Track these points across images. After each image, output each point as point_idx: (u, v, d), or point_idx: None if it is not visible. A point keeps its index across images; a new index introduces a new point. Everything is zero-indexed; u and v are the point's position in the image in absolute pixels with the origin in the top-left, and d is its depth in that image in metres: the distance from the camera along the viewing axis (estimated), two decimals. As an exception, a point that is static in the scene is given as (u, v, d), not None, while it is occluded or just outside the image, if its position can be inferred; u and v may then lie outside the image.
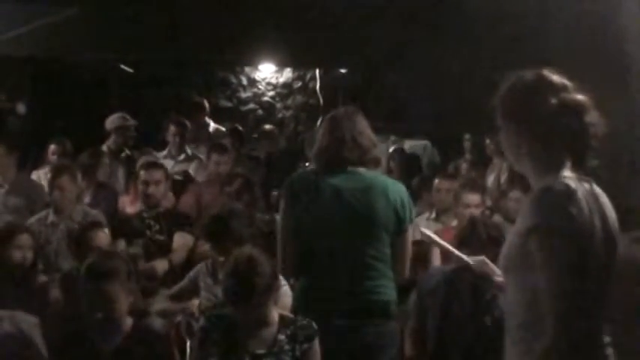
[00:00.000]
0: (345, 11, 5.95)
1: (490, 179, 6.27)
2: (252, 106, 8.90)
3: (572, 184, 1.86)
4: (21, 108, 7.71)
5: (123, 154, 6.20)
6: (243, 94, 8.89)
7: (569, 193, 1.84)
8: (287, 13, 6.13)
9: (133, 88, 7.97)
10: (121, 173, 6.02)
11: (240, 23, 6.38)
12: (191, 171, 6.18)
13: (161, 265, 4.22)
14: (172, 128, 6.27)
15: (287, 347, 2.73)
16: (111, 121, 6.20)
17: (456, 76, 6.02)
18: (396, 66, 7.10)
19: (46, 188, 5.86)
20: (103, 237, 3.92)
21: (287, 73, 8.83)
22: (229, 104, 8.80)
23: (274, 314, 2.77)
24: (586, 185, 1.91)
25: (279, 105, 8.90)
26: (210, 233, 3.65)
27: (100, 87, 7.80)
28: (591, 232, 1.85)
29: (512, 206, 4.48)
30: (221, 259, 3.53)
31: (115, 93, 7.88)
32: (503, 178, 6.34)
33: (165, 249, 4.35)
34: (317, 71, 8.53)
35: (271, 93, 8.90)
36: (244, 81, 8.88)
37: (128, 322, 2.88)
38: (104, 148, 6.05)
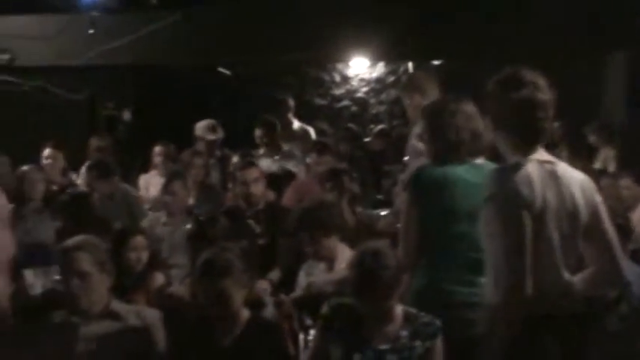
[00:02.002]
0: (436, 2, 5.90)
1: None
2: (345, 102, 8.94)
3: (528, 164, 2.29)
4: (126, 115, 8.06)
5: (219, 153, 6.32)
6: (337, 91, 8.94)
7: (516, 170, 2.27)
8: (377, 7, 6.13)
9: (231, 90, 8.16)
10: (215, 173, 6.17)
11: (331, 20, 6.42)
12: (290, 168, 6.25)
13: None
14: (258, 131, 6.30)
15: (409, 344, 2.69)
16: (198, 128, 6.30)
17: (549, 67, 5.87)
18: (487, 57, 6.97)
19: (154, 190, 6.14)
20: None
21: (380, 68, 8.81)
22: (323, 102, 8.87)
23: (398, 309, 2.74)
24: (547, 166, 2.32)
25: (372, 100, 8.89)
26: (301, 225, 3.71)
27: (200, 90, 8.04)
28: (542, 203, 2.25)
29: (625, 193, 4.57)
30: (310, 249, 3.62)
31: (214, 96, 8.10)
32: (611, 166, 6.16)
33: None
34: (409, 64, 8.46)
35: (365, 89, 8.91)
36: (337, 78, 8.93)
37: (245, 314, 2.95)
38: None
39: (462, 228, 2.86)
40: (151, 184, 6.37)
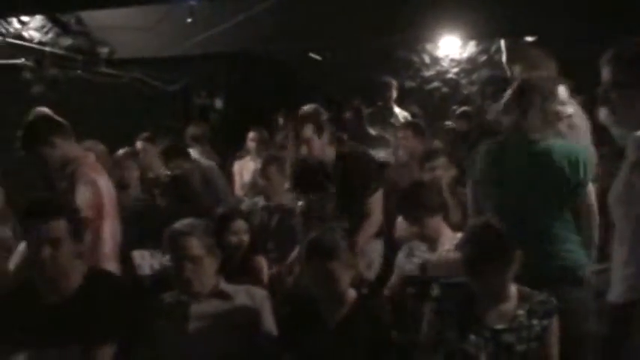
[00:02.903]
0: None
1: None
2: (436, 84, 8.80)
3: None
4: (218, 103, 8.21)
5: None
6: (427, 73, 8.81)
7: None
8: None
9: (321, 75, 8.18)
10: None
11: (420, 0, 6.32)
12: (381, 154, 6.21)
13: None
14: (348, 114, 6.26)
15: (526, 323, 2.62)
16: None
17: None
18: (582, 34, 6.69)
19: (247, 175, 6.25)
20: None
21: (470, 47, 8.61)
22: (413, 84, 8.77)
23: (512, 288, 2.67)
24: None
25: (464, 81, 8.71)
26: (401, 205, 3.71)
27: (290, 76, 8.09)
28: None
29: None
30: (413, 229, 3.61)
31: (304, 81, 8.13)
32: None
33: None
34: (502, 42, 8.22)
35: (455, 69, 8.74)
36: (427, 59, 8.80)
37: (352, 294, 2.95)
38: None
39: (521, 202, 3.06)
40: (245, 169, 6.49)
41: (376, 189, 4.03)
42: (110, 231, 3.70)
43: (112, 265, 3.61)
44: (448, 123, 7.07)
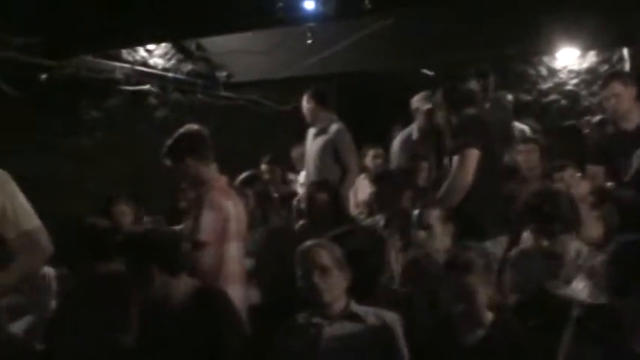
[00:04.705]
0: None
1: None
2: (553, 97, 8.50)
3: None
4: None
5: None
6: (544, 86, 8.53)
7: None
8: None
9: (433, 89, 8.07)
10: None
11: (536, 12, 6.14)
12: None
13: None
14: None
15: None
16: (415, 101, 6.06)
17: None
18: None
19: (362, 194, 6.23)
20: None
21: (590, 57, 8.27)
22: (529, 97, 8.51)
23: None
24: None
25: (583, 92, 8.37)
26: (528, 216, 3.55)
27: (403, 92, 8.03)
28: None
29: None
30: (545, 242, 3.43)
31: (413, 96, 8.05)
32: None
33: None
34: (625, 50, 7.86)
35: (574, 81, 8.41)
36: (543, 72, 8.53)
37: (488, 316, 2.88)
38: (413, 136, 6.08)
39: None
40: (360, 187, 6.48)
41: None
42: (235, 254, 3.76)
43: (235, 288, 3.64)
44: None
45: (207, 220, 3.63)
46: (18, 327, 3.97)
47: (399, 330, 3.05)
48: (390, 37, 5.81)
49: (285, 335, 3.11)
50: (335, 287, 3.04)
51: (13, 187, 2.62)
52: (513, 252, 3.74)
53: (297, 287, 3.09)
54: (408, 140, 5.96)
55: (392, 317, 3.07)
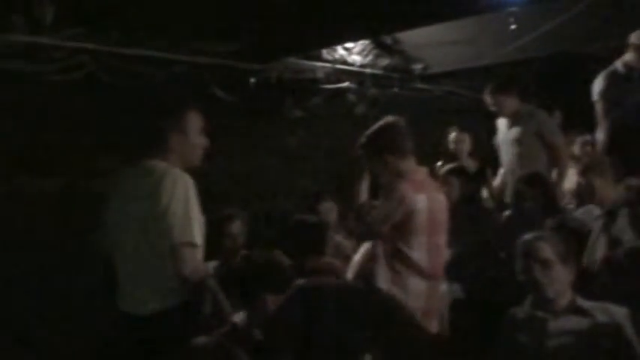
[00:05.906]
0: None
1: None
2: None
3: None
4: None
5: None
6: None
7: None
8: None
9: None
10: None
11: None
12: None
13: None
14: None
15: None
16: (635, 35, 5.50)
17: None
18: None
19: (570, 183, 5.94)
20: None
21: None
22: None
23: None
24: None
25: None
26: None
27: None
28: None
29: None
30: None
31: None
32: None
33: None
34: None
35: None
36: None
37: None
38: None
39: None
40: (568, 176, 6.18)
41: None
42: (421, 248, 3.56)
43: (418, 281, 3.54)
44: None
45: (383, 210, 3.54)
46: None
47: (629, 327, 2.89)
48: (589, 19, 5.46)
49: (511, 330, 3.07)
50: (558, 282, 2.96)
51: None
52: None
53: (518, 281, 3.04)
54: (614, 74, 5.57)
55: (621, 313, 2.92)
